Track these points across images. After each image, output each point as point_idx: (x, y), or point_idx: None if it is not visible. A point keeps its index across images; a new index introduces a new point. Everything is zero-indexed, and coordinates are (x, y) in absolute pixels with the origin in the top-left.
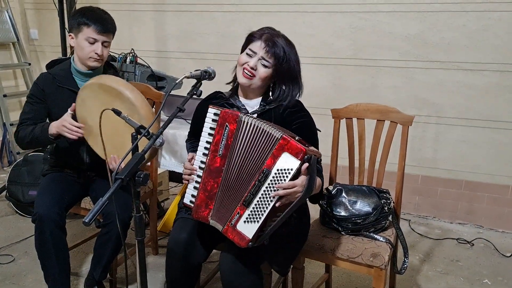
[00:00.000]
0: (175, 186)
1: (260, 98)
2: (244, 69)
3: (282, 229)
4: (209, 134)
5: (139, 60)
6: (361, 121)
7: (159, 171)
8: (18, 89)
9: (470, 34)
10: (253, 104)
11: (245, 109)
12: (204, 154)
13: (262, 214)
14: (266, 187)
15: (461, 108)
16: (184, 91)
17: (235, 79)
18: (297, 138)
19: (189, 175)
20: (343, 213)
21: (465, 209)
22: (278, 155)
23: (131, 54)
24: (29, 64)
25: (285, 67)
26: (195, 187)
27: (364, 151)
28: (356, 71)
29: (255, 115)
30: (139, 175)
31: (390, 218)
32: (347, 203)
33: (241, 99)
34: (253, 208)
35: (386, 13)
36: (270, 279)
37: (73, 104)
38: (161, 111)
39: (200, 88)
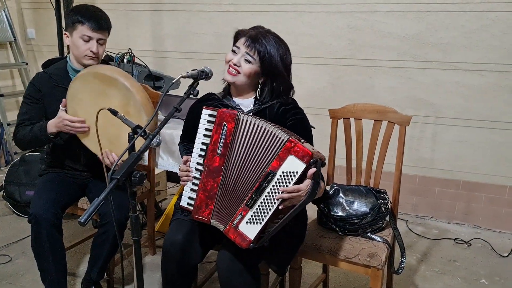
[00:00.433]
0: (172, 187)
1: (253, 97)
2: (229, 66)
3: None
4: (205, 135)
5: (136, 60)
6: (359, 121)
7: (157, 171)
8: (15, 88)
9: (468, 34)
10: (247, 103)
11: (240, 108)
12: (200, 155)
13: (265, 216)
14: (271, 189)
15: (458, 108)
16: (181, 91)
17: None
18: (302, 140)
19: (186, 177)
20: (340, 213)
21: (463, 209)
22: (284, 157)
23: (128, 54)
24: (26, 63)
25: (267, 62)
26: (192, 189)
27: (362, 151)
28: (354, 71)
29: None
30: (135, 175)
31: (387, 218)
32: (345, 203)
33: (235, 99)
34: (256, 209)
35: (384, 13)
36: (267, 279)
37: (64, 100)
38: (159, 111)
39: (197, 88)
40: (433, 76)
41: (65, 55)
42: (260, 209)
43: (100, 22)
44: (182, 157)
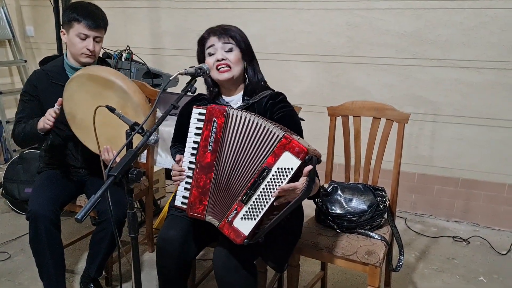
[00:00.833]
0: (171, 184)
1: (241, 93)
2: (217, 66)
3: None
4: (196, 134)
5: (134, 57)
6: (357, 118)
7: (155, 169)
8: (14, 86)
9: (467, 31)
10: (236, 99)
11: (230, 106)
12: (192, 154)
13: (260, 212)
14: (265, 185)
15: (457, 105)
16: (180, 88)
17: (209, 86)
18: (298, 137)
19: (179, 176)
20: (338, 211)
21: (461, 207)
22: (279, 154)
23: (126, 51)
24: (25, 61)
25: (242, 44)
26: (186, 188)
27: (360, 149)
28: (352, 68)
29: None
30: (132, 172)
31: (385, 216)
32: (343, 201)
33: (224, 97)
34: (251, 205)
35: (383, 10)
36: (265, 277)
37: (60, 98)
38: (157, 109)
39: (195, 85)
40: (431, 73)
41: (63, 53)
42: (255, 205)
43: (97, 20)
44: (174, 159)
